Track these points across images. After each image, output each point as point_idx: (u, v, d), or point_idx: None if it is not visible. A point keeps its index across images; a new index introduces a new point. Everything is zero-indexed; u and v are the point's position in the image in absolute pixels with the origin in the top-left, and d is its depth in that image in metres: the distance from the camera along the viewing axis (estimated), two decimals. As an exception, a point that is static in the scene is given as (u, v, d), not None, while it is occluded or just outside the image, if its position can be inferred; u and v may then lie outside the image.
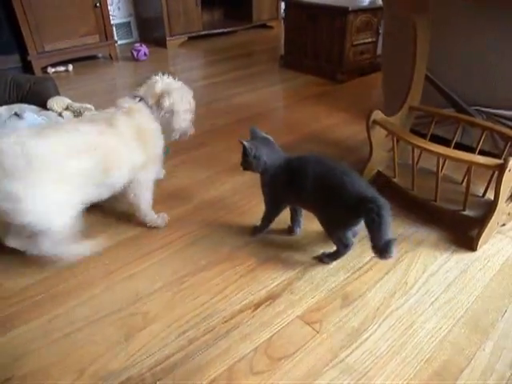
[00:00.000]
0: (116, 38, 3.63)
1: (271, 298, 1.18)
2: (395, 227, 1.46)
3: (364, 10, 2.73)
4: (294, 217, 1.41)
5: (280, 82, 2.90)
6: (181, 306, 1.16)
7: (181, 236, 1.41)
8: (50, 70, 3.15)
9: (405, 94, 1.65)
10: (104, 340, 1.06)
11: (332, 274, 1.27)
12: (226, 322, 1.11)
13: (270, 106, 2.49)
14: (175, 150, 1.92)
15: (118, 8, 3.85)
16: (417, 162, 1.70)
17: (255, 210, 1.53)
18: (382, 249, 1.09)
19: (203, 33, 3.96)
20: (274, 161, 1.25)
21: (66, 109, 2.17)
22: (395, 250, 1.09)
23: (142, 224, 1.46)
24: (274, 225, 1.42)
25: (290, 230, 1.43)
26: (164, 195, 1.63)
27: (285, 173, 1.24)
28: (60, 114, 2.14)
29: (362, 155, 1.91)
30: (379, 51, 3.02)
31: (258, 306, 1.16)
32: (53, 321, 1.12)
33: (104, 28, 3.31)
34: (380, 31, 2.93)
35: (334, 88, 2.77)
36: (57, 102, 2.16)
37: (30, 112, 1.59)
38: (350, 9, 2.62)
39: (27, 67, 3.07)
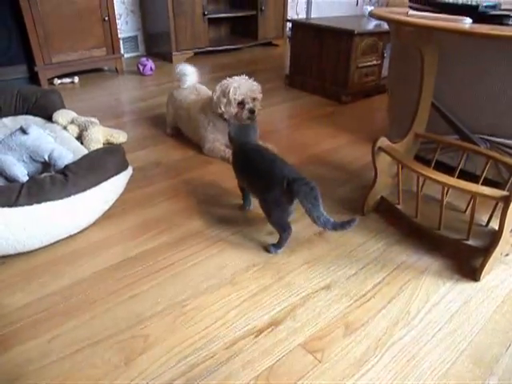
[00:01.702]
0: (123, 51, 3.66)
1: (273, 324, 1.17)
2: (398, 254, 1.46)
3: (370, 34, 2.77)
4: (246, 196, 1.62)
5: (285, 101, 2.92)
6: (182, 330, 1.14)
7: (184, 257, 1.40)
8: (57, 81, 3.17)
9: (410, 120, 1.66)
10: (103, 363, 1.05)
11: (335, 301, 1.26)
12: (227, 348, 1.10)
13: (274, 126, 2.50)
14: (176, 169, 1.94)
15: (126, 22, 3.90)
16: (420, 189, 1.71)
17: (263, 229, 1.53)
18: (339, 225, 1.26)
19: (209, 49, 4.00)
20: (238, 142, 1.51)
21: (72, 122, 2.18)
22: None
23: (145, 243, 1.46)
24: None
25: (242, 207, 1.65)
26: (171, 212, 1.63)
27: (239, 157, 1.48)
28: (65, 128, 2.15)
29: (366, 180, 1.91)
30: (384, 74, 3.05)
31: (260, 332, 1.15)
32: (52, 341, 1.10)
33: (111, 41, 3.34)
34: (385, 54, 2.96)
35: (338, 109, 2.79)
36: (62, 116, 2.17)
37: (35, 127, 1.59)
38: (355, 32, 2.65)
39: (34, 78, 3.09)
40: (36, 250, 1.39)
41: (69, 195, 1.37)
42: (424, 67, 1.49)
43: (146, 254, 1.41)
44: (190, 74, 2.28)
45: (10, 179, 1.48)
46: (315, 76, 3.02)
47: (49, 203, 1.32)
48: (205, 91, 2.24)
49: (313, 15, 5.36)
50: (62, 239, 1.44)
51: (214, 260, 1.40)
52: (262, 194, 1.38)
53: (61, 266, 1.35)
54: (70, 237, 1.46)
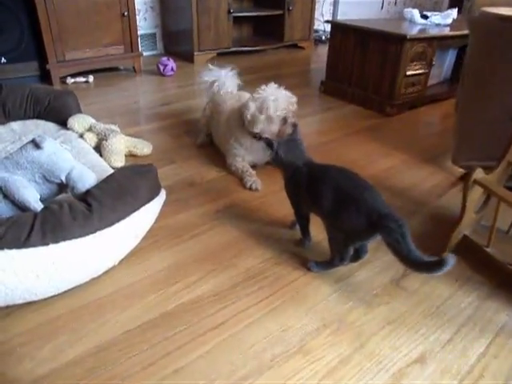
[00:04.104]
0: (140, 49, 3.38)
1: (364, 417, 0.89)
2: (495, 312, 1.18)
3: (420, 39, 2.48)
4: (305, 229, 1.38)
5: (322, 110, 2.63)
6: (247, 424, 0.86)
7: (236, 313, 1.11)
8: (70, 80, 2.89)
9: (490, 142, 1.39)
10: None
11: (435, 381, 0.98)
12: None
13: (316, 140, 2.21)
14: (213, 191, 1.66)
15: (145, 19, 3.62)
16: (509, 228, 1.44)
17: (332, 274, 1.25)
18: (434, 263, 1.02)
19: (233, 49, 3.72)
20: (292, 159, 1.29)
21: (89, 130, 1.90)
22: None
23: (185, 292, 1.17)
24: (350, 303, 1.14)
25: (300, 242, 1.39)
26: (212, 248, 1.35)
27: (305, 176, 1.25)
28: (81, 136, 1.87)
29: (435, 210, 1.64)
30: (430, 83, 2.77)
31: (348, 430, 0.86)
32: None
33: (130, 39, 3.06)
34: (434, 62, 2.68)
35: (383, 122, 2.50)
36: (78, 122, 1.89)
37: (50, 139, 1.30)
38: (408, 37, 2.36)
39: (45, 76, 2.82)
40: (51, 297, 1.10)
41: (93, 232, 1.08)
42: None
43: (188, 308, 1.12)
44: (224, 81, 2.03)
45: (19, 205, 1.19)
46: (355, 84, 2.73)
47: (68, 242, 1.04)
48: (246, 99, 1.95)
49: (338, 17, 5.09)
50: (84, 283, 1.15)
51: (274, 318, 1.11)
52: (337, 219, 1.16)
53: (82, 322, 1.06)
54: (93, 279, 1.17)
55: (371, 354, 1.03)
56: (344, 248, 1.20)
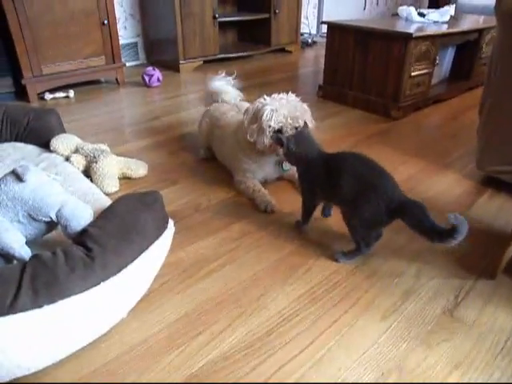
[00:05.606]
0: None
1: None
2: None
3: (425, 37, 2.35)
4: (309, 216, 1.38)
5: (326, 116, 2.46)
6: None
7: (278, 369, 0.92)
8: (48, 96, 2.66)
9: None
10: None
11: None
12: None
13: (329, 149, 2.03)
14: (225, 214, 1.47)
15: (125, 27, 3.41)
16: None
17: (376, 303, 1.07)
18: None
19: (220, 56, 3.54)
20: (307, 153, 1.28)
21: (76, 151, 1.69)
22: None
23: (211, 346, 0.97)
24: (404, 345, 0.96)
25: (298, 225, 1.40)
26: (234, 286, 1.15)
27: (321, 168, 1.24)
28: (67, 159, 1.65)
29: (471, 223, 1.47)
30: (433, 82, 2.65)
31: None
32: None
33: (111, 49, 2.85)
34: (437, 61, 2.55)
35: (390, 125, 2.35)
36: (63, 142, 1.67)
37: (35, 169, 1.09)
38: (413, 35, 2.22)
39: (21, 93, 2.58)
40: (46, 368, 0.89)
41: (97, 283, 0.88)
42: None
43: (219, 368, 0.92)
44: (229, 92, 1.86)
45: (1, 252, 0.98)
46: (357, 87, 2.58)
47: (67, 300, 0.83)
48: None
49: (323, 19, 4.97)
50: (87, 345, 0.94)
51: (323, 371, 0.92)
52: (357, 208, 1.17)
53: (87, 397, 0.86)
54: (98, 339, 0.97)
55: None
56: (367, 234, 1.22)
